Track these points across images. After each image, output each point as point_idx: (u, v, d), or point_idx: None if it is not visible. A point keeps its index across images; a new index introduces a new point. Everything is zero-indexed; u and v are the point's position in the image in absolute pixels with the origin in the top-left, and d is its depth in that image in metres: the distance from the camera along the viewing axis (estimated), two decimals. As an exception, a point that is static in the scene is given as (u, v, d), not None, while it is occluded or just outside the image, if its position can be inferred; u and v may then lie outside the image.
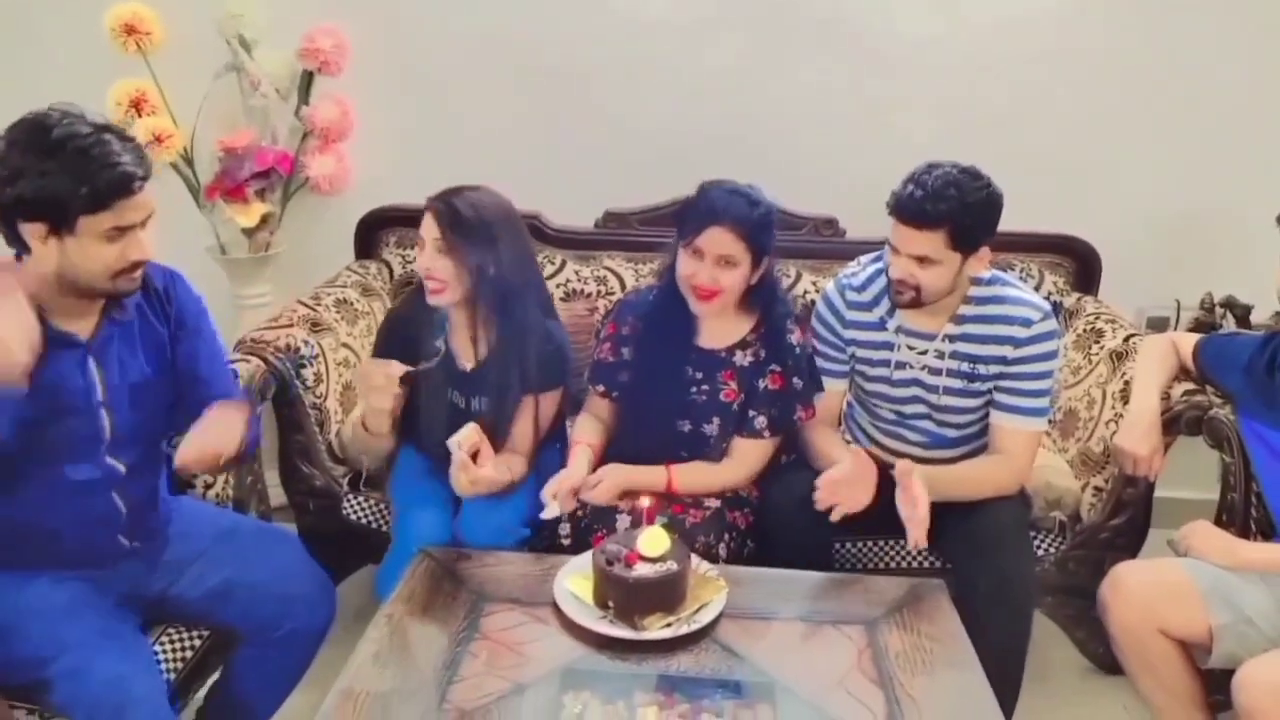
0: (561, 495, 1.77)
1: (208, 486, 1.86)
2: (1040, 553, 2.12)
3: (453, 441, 1.72)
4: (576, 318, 2.49)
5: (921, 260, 1.73)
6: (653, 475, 1.88)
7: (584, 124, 2.72)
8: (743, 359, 1.90)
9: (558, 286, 2.56)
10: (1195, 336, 2.06)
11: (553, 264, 2.58)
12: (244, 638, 1.68)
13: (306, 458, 2.13)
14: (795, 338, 1.90)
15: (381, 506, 2.13)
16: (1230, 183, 2.65)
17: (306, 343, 2.14)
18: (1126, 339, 2.26)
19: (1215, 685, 1.73)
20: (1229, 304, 2.58)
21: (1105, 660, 2.23)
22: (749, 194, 1.82)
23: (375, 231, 2.65)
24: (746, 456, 1.91)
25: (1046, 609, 2.19)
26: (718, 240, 1.77)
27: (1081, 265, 2.57)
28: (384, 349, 1.96)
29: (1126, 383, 2.12)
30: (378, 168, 2.73)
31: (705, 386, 1.91)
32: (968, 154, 1.82)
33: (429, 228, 1.81)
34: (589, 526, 1.83)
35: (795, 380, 1.89)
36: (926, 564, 2.09)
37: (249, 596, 1.64)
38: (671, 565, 1.53)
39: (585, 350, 2.45)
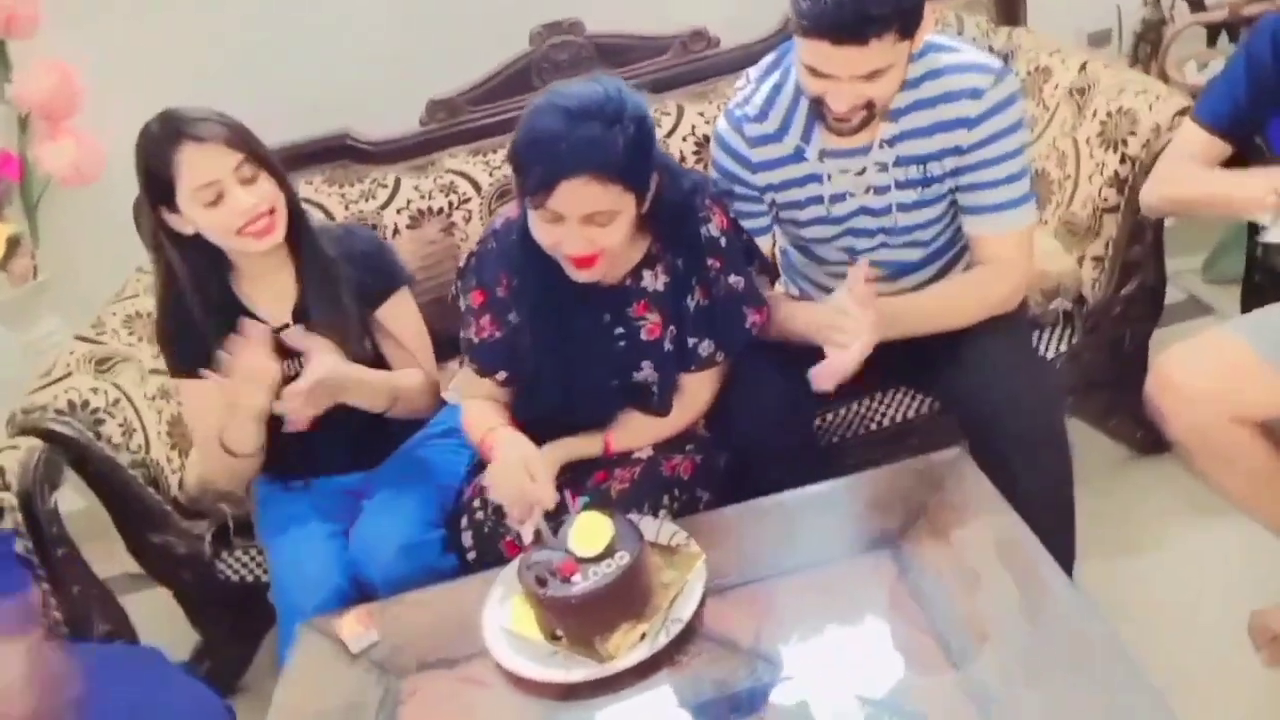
0: (536, 518, 1.27)
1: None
2: (1051, 354, 1.76)
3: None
4: (430, 245, 2.01)
5: (871, 75, 1.26)
6: (586, 444, 1.44)
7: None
8: (654, 281, 1.39)
9: (398, 212, 2.05)
10: (1189, 134, 1.52)
11: (384, 187, 2.07)
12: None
13: (153, 526, 1.68)
14: (716, 225, 1.37)
15: (264, 556, 1.70)
16: None
17: (95, 390, 1.65)
18: (1082, 68, 1.84)
19: None
20: (1179, -11, 2.16)
21: (1145, 442, 1.94)
22: (601, 105, 1.21)
23: (159, 213, 2.10)
24: (698, 394, 1.45)
25: (1069, 410, 1.86)
26: (577, 198, 1.22)
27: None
28: (179, 363, 1.51)
29: (1102, 123, 1.72)
30: (134, 130, 2.14)
31: (620, 330, 1.40)
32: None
33: (218, 160, 1.36)
34: (494, 530, 1.41)
35: (731, 279, 1.39)
36: (924, 410, 1.74)
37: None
38: (623, 558, 1.13)
39: (445, 279, 1.99)
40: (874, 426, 1.75)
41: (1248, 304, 1.69)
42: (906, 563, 1.16)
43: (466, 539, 1.44)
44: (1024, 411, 1.36)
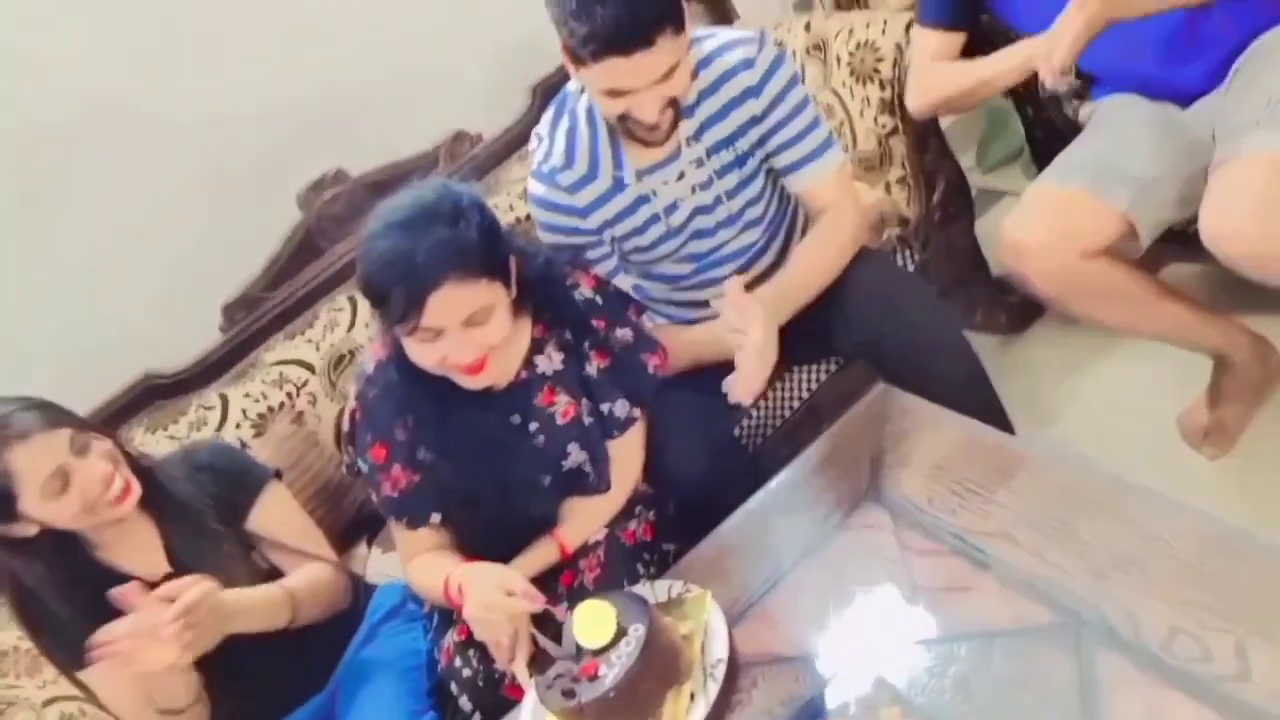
0: (524, 653, 1.19)
1: None
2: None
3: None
4: (286, 440, 1.88)
5: (666, 75, 1.28)
6: (542, 554, 1.37)
7: (113, 240, 1.98)
8: (549, 364, 1.36)
9: (237, 427, 1.91)
10: (922, 40, 1.66)
11: (212, 409, 1.91)
12: None
13: None
14: (586, 286, 1.37)
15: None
16: None
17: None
18: (807, 28, 1.96)
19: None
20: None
21: (1011, 323, 2.06)
22: (436, 206, 1.17)
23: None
24: (630, 457, 1.42)
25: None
26: (449, 306, 1.16)
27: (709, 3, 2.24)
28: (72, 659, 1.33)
29: (849, 64, 1.83)
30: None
31: (535, 424, 1.36)
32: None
33: (52, 446, 1.27)
34: (489, 681, 1.30)
35: (619, 333, 1.37)
36: (821, 378, 1.76)
37: None
38: (638, 629, 1.06)
39: (326, 470, 1.88)
40: (786, 413, 1.75)
41: (1042, 162, 1.81)
42: (896, 505, 1.15)
43: (464, 704, 1.32)
44: (919, 316, 1.42)
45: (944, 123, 1.97)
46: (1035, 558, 0.98)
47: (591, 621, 1.08)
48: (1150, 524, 0.95)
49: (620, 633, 1.06)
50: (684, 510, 1.46)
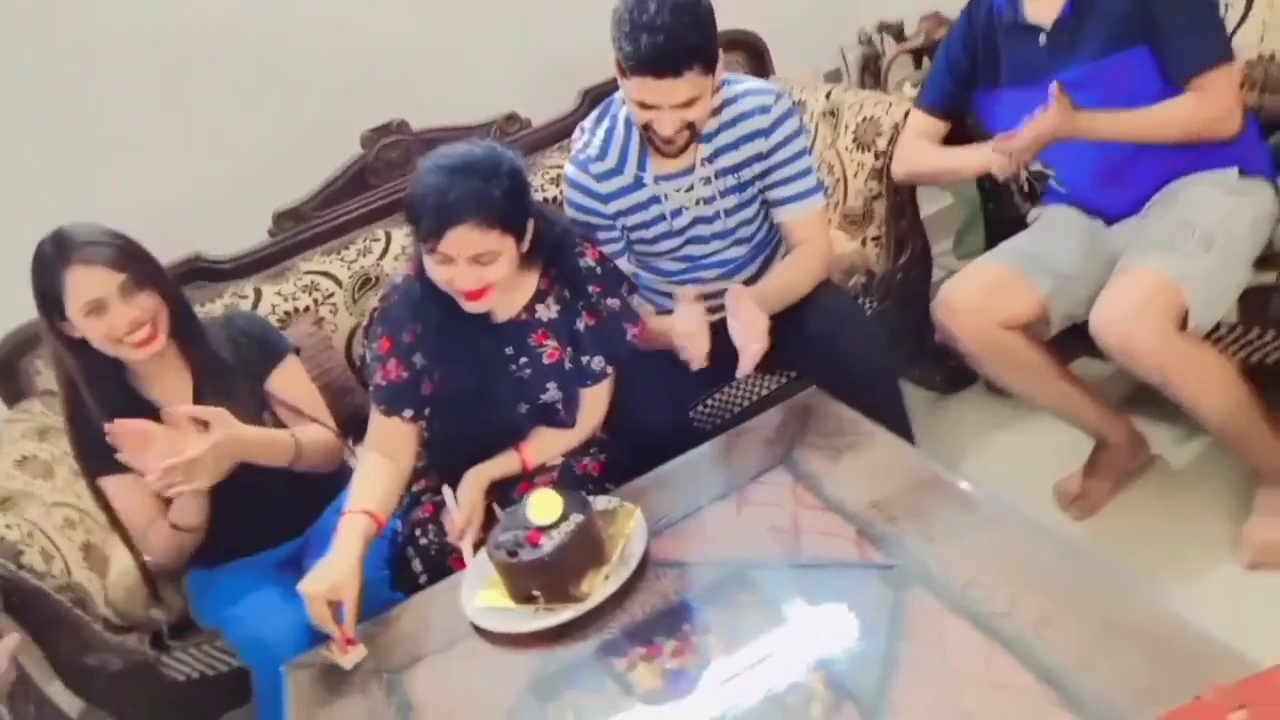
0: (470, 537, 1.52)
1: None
2: (859, 321, 2.13)
3: None
4: (306, 338, 2.14)
5: (688, 103, 1.58)
6: (505, 462, 1.63)
7: (195, 125, 2.26)
8: (547, 312, 1.62)
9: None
10: (916, 119, 1.95)
11: (245, 298, 2.19)
12: None
13: (88, 648, 1.69)
14: (590, 257, 1.63)
15: (211, 647, 1.75)
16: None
17: (8, 526, 1.67)
18: (827, 95, 2.27)
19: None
20: (883, 29, 2.68)
21: (945, 383, 2.34)
22: (481, 163, 1.41)
23: (15, 365, 2.11)
24: (596, 405, 1.69)
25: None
26: (463, 242, 1.41)
27: (752, 54, 2.55)
28: (98, 464, 1.60)
29: (854, 133, 2.14)
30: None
31: (524, 359, 1.62)
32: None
33: (101, 280, 1.49)
34: (441, 552, 1.58)
35: (610, 301, 1.64)
36: (775, 386, 2.05)
37: None
38: (578, 517, 1.33)
39: (334, 370, 2.14)
40: (737, 409, 2.04)
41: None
42: (798, 472, 1.43)
43: (417, 565, 1.59)
44: (860, 343, 1.72)
45: (928, 210, 2.29)
46: (887, 520, 1.27)
47: (542, 504, 1.35)
48: (977, 510, 1.24)
49: (564, 516, 1.34)
50: (631, 459, 1.73)
